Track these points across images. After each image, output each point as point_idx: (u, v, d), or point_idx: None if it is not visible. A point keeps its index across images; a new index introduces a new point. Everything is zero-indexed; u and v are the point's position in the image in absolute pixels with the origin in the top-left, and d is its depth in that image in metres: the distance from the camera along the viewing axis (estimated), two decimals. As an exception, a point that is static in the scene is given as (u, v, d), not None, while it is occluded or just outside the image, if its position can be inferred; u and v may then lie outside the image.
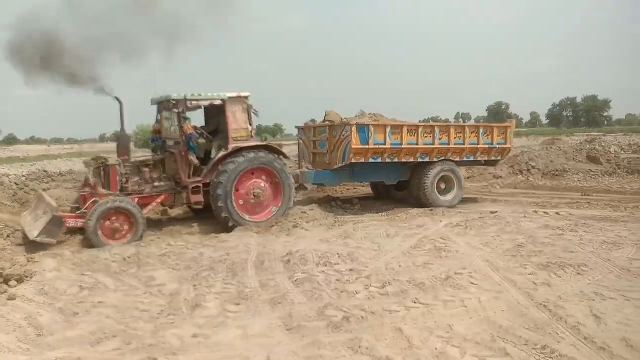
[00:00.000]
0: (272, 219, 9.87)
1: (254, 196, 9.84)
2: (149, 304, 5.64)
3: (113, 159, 9.68)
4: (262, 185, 9.98)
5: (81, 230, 8.70)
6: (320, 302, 5.47)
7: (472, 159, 12.53)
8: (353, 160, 11.06)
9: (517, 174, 17.15)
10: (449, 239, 8.42)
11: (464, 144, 12.07)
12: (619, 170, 18.00)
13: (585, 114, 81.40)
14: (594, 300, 5.31)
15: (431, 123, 12.43)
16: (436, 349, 4.26)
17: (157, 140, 10.65)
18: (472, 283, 6.03)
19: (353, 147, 10.85)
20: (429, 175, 11.75)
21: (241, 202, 9.72)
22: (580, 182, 16.32)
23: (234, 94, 9.96)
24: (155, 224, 10.08)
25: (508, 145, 12.72)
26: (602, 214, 10.26)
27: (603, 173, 17.71)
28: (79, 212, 8.85)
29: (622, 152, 23.66)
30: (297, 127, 13.23)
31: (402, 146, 11.36)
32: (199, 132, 10.15)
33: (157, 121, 10.69)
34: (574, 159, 18.79)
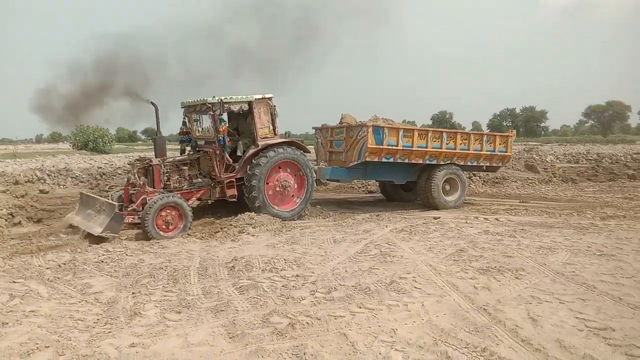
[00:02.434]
0: (297, 208, 11.14)
1: (282, 187, 10.96)
2: (85, 312, 5.37)
3: (155, 159, 10.44)
4: (288, 177, 11.07)
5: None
6: (265, 308, 5.38)
7: (475, 163, 13.45)
8: (367, 159, 11.92)
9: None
10: (394, 243, 8.54)
11: (468, 150, 13.00)
12: (554, 179, 18.89)
13: (523, 124, 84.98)
14: (530, 303, 5.49)
15: (440, 129, 13.20)
16: (380, 353, 4.27)
17: (186, 141, 11.70)
18: (416, 287, 6.11)
19: (369, 146, 11.72)
20: (435, 177, 12.60)
21: (270, 192, 10.82)
22: (519, 189, 17.01)
23: (260, 96, 10.91)
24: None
25: (508, 153, 13.70)
26: (538, 220, 10.67)
27: (540, 181, 18.53)
28: (130, 209, 9.56)
29: (558, 161, 24.88)
30: (314, 128, 13.96)
31: (413, 148, 12.25)
32: (229, 133, 10.99)
33: (184, 123, 11.67)
34: (512, 167, 19.55)
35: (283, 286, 6.20)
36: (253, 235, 9.21)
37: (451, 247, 8.21)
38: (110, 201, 9.57)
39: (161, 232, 9.21)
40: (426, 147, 12.42)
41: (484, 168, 14.06)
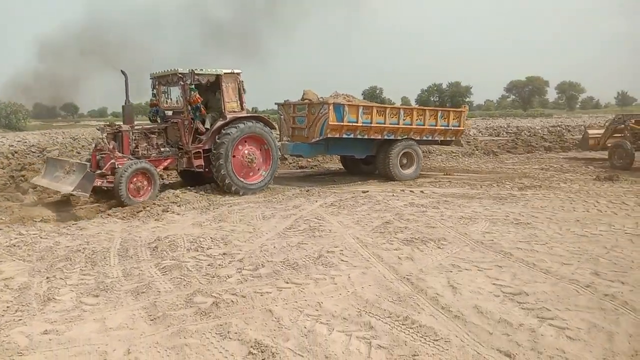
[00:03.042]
0: (263, 181, 11.48)
1: (248, 161, 11.24)
2: (-8, 301, 5.01)
3: (124, 125, 10.54)
4: (254, 151, 11.38)
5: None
6: (188, 288, 5.24)
7: (430, 138, 14.04)
8: (329, 135, 12.29)
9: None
10: (323, 218, 8.57)
11: (424, 125, 13.51)
12: (476, 152, 19.68)
13: (450, 99, 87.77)
14: (451, 271, 5.69)
15: (397, 105, 13.78)
16: (305, 327, 4.27)
17: (155, 112, 11.78)
18: (343, 260, 6.17)
19: (330, 123, 12.06)
20: (393, 151, 13.12)
21: (237, 165, 11.06)
22: (443, 162, 17.60)
23: (229, 70, 11.21)
24: (7, 211, 9.03)
25: (461, 128, 14.43)
26: (461, 192, 11.07)
27: (463, 154, 19.24)
28: (98, 172, 9.62)
29: (480, 134, 25.91)
30: (276, 104, 14.11)
31: (372, 124, 12.66)
32: (201, 103, 11.06)
33: (154, 95, 11.79)
34: (438, 140, 20.11)
35: (209, 265, 6.07)
36: (178, 214, 8.94)
37: (378, 219, 8.35)
38: (82, 161, 9.99)
39: (132, 197, 9.56)
40: (384, 123, 12.86)
41: (439, 142, 14.70)
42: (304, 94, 13.78)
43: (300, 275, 5.63)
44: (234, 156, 11.00)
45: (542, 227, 7.69)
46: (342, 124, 12.28)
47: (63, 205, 9.72)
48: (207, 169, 11.23)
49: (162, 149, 10.96)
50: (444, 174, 14.23)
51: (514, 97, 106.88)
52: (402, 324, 4.30)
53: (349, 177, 14.33)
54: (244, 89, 11.57)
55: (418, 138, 13.71)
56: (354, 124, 12.45)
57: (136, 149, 10.60)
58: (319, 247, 6.74)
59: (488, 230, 7.53)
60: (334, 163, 17.54)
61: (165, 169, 11.30)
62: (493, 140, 23.71)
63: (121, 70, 10.78)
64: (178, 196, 9.89)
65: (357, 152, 13.58)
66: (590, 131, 17.96)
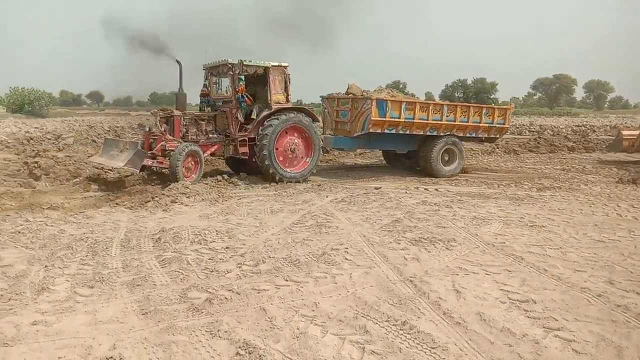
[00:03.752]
0: (304, 171, 11.89)
1: (290, 151, 11.73)
2: (-13, 288, 4.97)
3: (176, 111, 11.18)
4: (296, 141, 11.84)
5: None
6: (185, 283, 5.13)
7: (474, 135, 13.94)
8: (371, 130, 12.45)
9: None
10: (332, 214, 8.40)
11: (467, 122, 13.43)
12: (497, 150, 19.23)
13: (474, 95, 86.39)
14: (457, 274, 5.46)
15: (440, 101, 13.73)
16: (298, 328, 4.11)
17: (205, 102, 12.45)
18: (347, 259, 5.99)
19: (372, 118, 12.23)
20: (435, 147, 13.12)
21: (280, 154, 11.59)
22: (462, 159, 17.18)
23: (276, 63, 11.64)
24: (17, 197, 9.07)
25: (506, 125, 14.26)
26: (477, 191, 10.79)
27: (483, 152, 18.84)
28: (150, 152, 10.35)
29: (502, 132, 25.25)
30: (321, 97, 14.33)
31: (414, 120, 12.72)
32: (246, 94, 11.57)
33: (205, 85, 12.47)
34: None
35: (210, 259, 5.95)
36: (187, 205, 8.87)
37: (387, 217, 8.15)
38: (133, 140, 10.98)
39: (184, 177, 10.26)
40: (427, 119, 12.86)
41: (483, 139, 14.50)
42: (348, 87, 14.02)
43: (300, 272, 5.47)
44: (276, 148, 11.48)
45: (557, 230, 7.40)
46: (384, 119, 12.39)
47: (74, 193, 9.74)
48: (253, 158, 11.69)
49: (210, 135, 11.61)
50: (461, 172, 13.92)
51: (540, 94, 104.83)
52: (400, 329, 4.11)
53: (362, 172, 14.13)
54: (289, 81, 11.96)
55: (461, 135, 13.63)
56: (396, 119, 12.52)
57: (186, 134, 11.22)
58: (323, 244, 6.57)
59: (501, 232, 7.27)
60: (349, 158, 17.32)
61: (212, 154, 11.90)
62: (515, 138, 23.20)
63: (176, 60, 11.31)
64: (188, 187, 9.80)
65: (398, 147, 13.65)
66: (624, 132, 17.16)
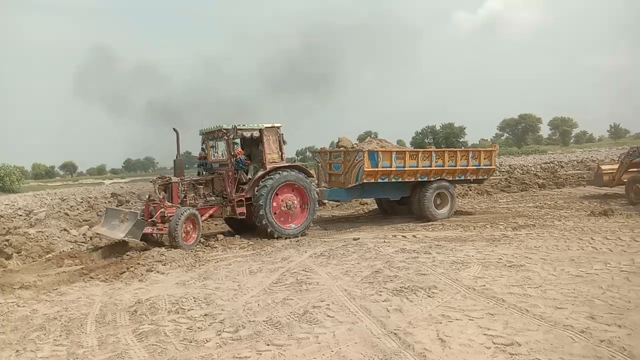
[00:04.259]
0: (300, 226, 12.12)
1: (286, 207, 11.99)
2: (-46, 381, 4.72)
3: (174, 178, 11.53)
4: (292, 197, 12.14)
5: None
6: (163, 356, 4.96)
7: (462, 177, 14.41)
8: (365, 181, 12.86)
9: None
10: (312, 270, 8.33)
11: (456, 166, 13.98)
12: (470, 192, 19.51)
13: (444, 140, 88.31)
14: (441, 322, 5.42)
15: (428, 149, 14.28)
16: (282, 395, 3.99)
17: (203, 165, 12.86)
18: (329, 316, 5.90)
19: (365, 169, 12.71)
20: (427, 192, 13.56)
21: (276, 211, 11.87)
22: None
23: (269, 125, 12.20)
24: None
25: (492, 167, 14.83)
26: (453, 234, 10.86)
27: (457, 195, 19.04)
28: (150, 220, 10.64)
29: (473, 174, 25.68)
30: (312, 152, 15.50)
31: (405, 168, 13.26)
32: (245, 156, 12.10)
33: (203, 149, 12.96)
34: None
35: (188, 329, 5.79)
36: (162, 273, 8.68)
37: (367, 268, 8.11)
38: (132, 210, 11.22)
39: (184, 241, 10.50)
40: (417, 166, 13.42)
41: (472, 180, 14.97)
42: (339, 140, 14.64)
43: (282, 335, 5.35)
44: (273, 204, 11.82)
45: (535, 268, 7.46)
46: (376, 169, 12.86)
47: (47, 270, 9.47)
48: (252, 217, 11.93)
49: (208, 198, 11.93)
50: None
51: (507, 135, 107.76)
52: (386, 386, 4.02)
53: (340, 223, 14.15)
54: (284, 141, 12.46)
55: (451, 178, 14.08)
56: (388, 168, 13.00)
57: (185, 199, 11.54)
58: (304, 302, 6.48)
59: (480, 275, 7.29)
60: (326, 210, 17.34)
61: (211, 216, 12.12)
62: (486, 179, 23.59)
63: (173, 128, 11.79)
64: (163, 254, 9.63)
65: (391, 194, 14.03)
66: (603, 167, 17.09)
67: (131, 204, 15.46)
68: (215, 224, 14.57)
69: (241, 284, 7.75)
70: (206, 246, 11.00)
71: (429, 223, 12.80)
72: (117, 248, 10.80)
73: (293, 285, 7.41)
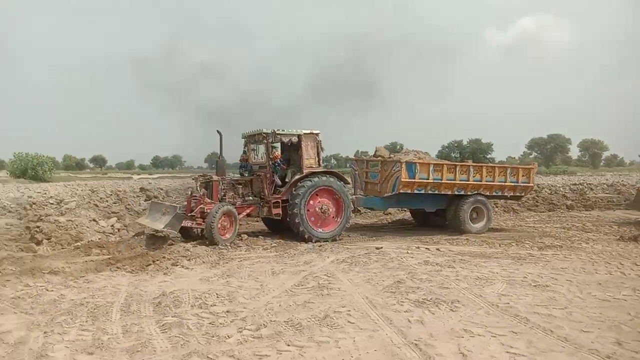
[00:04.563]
0: (335, 231, 12.40)
1: (321, 211, 12.29)
2: (-15, 356, 4.88)
3: (215, 177, 12.20)
4: (327, 202, 12.44)
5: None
6: (185, 349, 5.04)
7: (500, 193, 14.45)
8: (401, 191, 13.04)
9: (405, 210, 17.69)
10: (334, 275, 8.35)
11: (493, 181, 14.04)
12: (496, 209, 19.25)
13: (471, 155, 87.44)
14: (462, 337, 5.38)
15: (467, 163, 14.44)
16: (302, 396, 4.02)
17: (244, 167, 13.40)
18: (350, 322, 5.92)
19: (402, 180, 12.89)
20: (463, 206, 13.66)
21: (311, 215, 12.19)
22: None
23: (308, 131, 12.55)
24: (18, 262, 9.03)
25: (531, 184, 14.79)
26: (478, 250, 10.75)
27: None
28: (189, 215, 11.23)
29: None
30: (349, 159, 15.73)
31: (442, 181, 13.34)
32: (281, 160, 12.59)
33: (244, 152, 13.49)
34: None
35: (210, 323, 5.88)
36: (187, 268, 8.81)
37: (390, 278, 8.09)
38: (173, 204, 11.95)
39: (221, 236, 10.99)
40: (454, 180, 13.49)
41: (509, 197, 14.94)
42: (376, 150, 15.04)
43: (303, 337, 5.39)
44: (308, 209, 12.10)
45: (561, 290, 7.33)
46: (413, 180, 13.01)
47: (75, 257, 9.70)
48: (287, 218, 12.26)
49: (246, 198, 12.45)
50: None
51: (536, 154, 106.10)
52: (406, 395, 4.02)
53: (363, 231, 14.13)
54: (322, 147, 12.80)
55: (488, 193, 14.13)
56: (425, 180, 13.13)
57: (224, 197, 12.07)
58: (326, 306, 6.50)
59: (505, 293, 7.20)
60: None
61: (248, 215, 12.60)
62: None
63: (217, 130, 12.40)
64: (188, 250, 9.79)
65: (427, 205, 14.14)
66: None
67: (161, 199, 15.86)
68: (256, 221, 15.00)
69: (263, 284, 7.81)
70: (231, 244, 11.11)
71: (453, 237, 12.68)
72: (144, 241, 11.00)
73: (315, 289, 7.44)
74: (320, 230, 12.26)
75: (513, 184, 14.33)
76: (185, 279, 8.16)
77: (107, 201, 15.95)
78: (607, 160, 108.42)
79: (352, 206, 13.02)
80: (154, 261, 9.09)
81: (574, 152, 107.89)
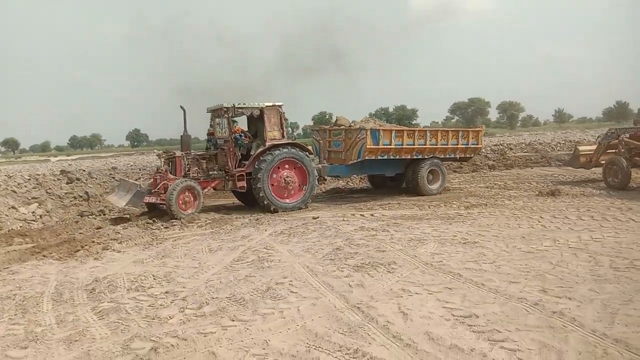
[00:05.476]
0: (298, 201, 12.68)
1: (285, 182, 12.51)
2: None
3: (179, 152, 12.43)
4: (291, 174, 12.65)
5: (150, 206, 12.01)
6: (126, 333, 4.89)
7: (452, 155, 15.36)
8: (366, 157, 13.53)
9: (336, 179, 17.89)
10: (273, 247, 8.36)
11: (447, 145, 14.86)
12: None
13: (396, 122, 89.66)
14: (401, 297, 5.58)
15: (424, 128, 14.99)
16: (251, 369, 4.03)
17: (211, 141, 13.50)
18: (292, 291, 5.97)
19: (367, 147, 13.39)
20: (421, 169, 14.36)
21: (275, 186, 12.42)
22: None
23: (270, 104, 12.72)
24: None
25: (479, 145, 15.83)
26: (409, 213, 11.12)
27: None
28: (153, 191, 11.63)
29: (427, 155, 26.16)
30: (311, 129, 16.16)
31: (403, 146, 14.01)
32: (244, 133, 13.00)
33: (211, 125, 13.59)
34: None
35: (149, 306, 5.73)
36: (119, 252, 8.51)
37: (328, 246, 8.21)
38: (134, 181, 12.64)
39: (181, 210, 11.27)
40: (414, 145, 14.20)
41: (458, 158, 15.95)
42: (336, 119, 15.53)
43: (247, 311, 5.38)
44: (272, 178, 12.37)
45: (489, 245, 7.75)
46: (378, 147, 13.58)
47: (-6, 249, 9.10)
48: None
49: (210, 172, 12.64)
50: (393, 196, 14.28)
51: (457, 117, 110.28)
52: (353, 358, 4.13)
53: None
54: (285, 119, 13.07)
55: (442, 156, 14.97)
56: (387, 146, 13.75)
57: (188, 172, 12.30)
58: (267, 279, 6.52)
59: (437, 252, 7.52)
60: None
61: (214, 188, 12.96)
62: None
63: (180, 106, 12.51)
64: (119, 232, 9.44)
65: (388, 170, 14.85)
66: (580, 147, 16.60)
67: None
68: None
69: (201, 262, 7.70)
70: (163, 224, 10.81)
71: (385, 202, 13.01)
72: (70, 226, 10.49)
73: (255, 263, 7.42)
74: (286, 201, 12.53)
75: (464, 146, 15.23)
76: (117, 262, 7.88)
77: (25, 186, 15.04)
78: (523, 121, 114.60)
79: (318, 175, 13.34)
80: (82, 246, 8.69)
81: (493, 115, 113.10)
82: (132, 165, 32.55)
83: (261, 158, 12.40)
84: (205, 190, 12.35)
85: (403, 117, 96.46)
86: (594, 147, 15.86)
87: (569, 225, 8.89)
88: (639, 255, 6.72)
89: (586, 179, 15.58)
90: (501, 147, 27.86)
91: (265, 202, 12.22)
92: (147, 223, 10.88)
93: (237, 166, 12.61)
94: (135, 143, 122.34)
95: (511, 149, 26.96)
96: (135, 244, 9.05)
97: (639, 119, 22.68)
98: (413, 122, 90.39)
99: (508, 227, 8.99)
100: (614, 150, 14.47)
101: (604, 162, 14.38)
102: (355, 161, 13.76)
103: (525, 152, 25.62)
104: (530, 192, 13.51)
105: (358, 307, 5.29)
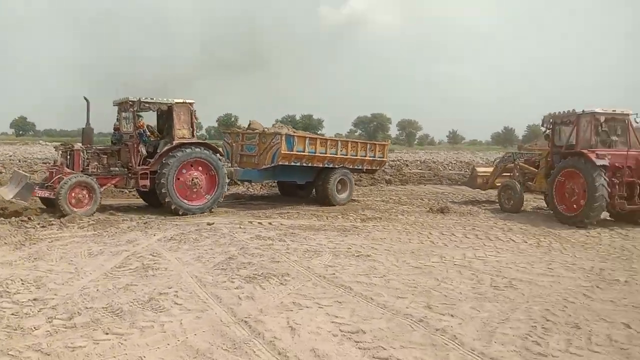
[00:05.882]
0: (206, 204, 12.21)
1: (192, 184, 11.98)
2: None
3: (78, 145, 11.78)
4: (199, 175, 12.11)
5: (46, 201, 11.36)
6: (-22, 347, 4.31)
7: (360, 167, 15.71)
8: (280, 163, 13.42)
9: (239, 184, 17.59)
10: (160, 254, 7.92)
11: (356, 155, 15.17)
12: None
13: (303, 130, 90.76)
14: (292, 310, 5.46)
15: (335, 138, 15.42)
16: (121, 389, 3.68)
17: (116, 135, 12.90)
18: (177, 303, 5.64)
19: (282, 152, 13.25)
20: (332, 178, 14.48)
21: (180, 187, 11.88)
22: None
23: (181, 100, 12.31)
24: None
25: (385, 159, 16.44)
26: (307, 223, 11.10)
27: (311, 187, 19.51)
28: (46, 184, 11.17)
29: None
30: (223, 132, 15.88)
31: (316, 154, 14.10)
32: (150, 129, 12.62)
33: (117, 119, 12.83)
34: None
35: (13, 314, 5.14)
36: (-17, 252, 7.61)
37: (221, 254, 7.93)
38: (24, 173, 11.97)
39: (73, 208, 10.67)
40: (325, 153, 14.35)
41: (364, 170, 16.30)
42: (250, 123, 15.34)
43: (124, 323, 4.97)
44: (178, 179, 11.85)
45: (380, 259, 7.90)
46: (292, 153, 13.55)
47: None
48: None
49: (111, 169, 11.98)
50: (291, 206, 14.23)
51: (360, 131, 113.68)
52: (234, 376, 3.92)
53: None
54: (196, 118, 12.66)
55: (351, 167, 15.24)
56: (301, 153, 13.78)
57: (87, 167, 11.64)
58: (150, 288, 6.11)
59: (331, 264, 7.52)
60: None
61: (115, 186, 12.46)
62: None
63: (84, 97, 12.24)
64: (-15, 231, 8.47)
65: (299, 178, 14.92)
66: (478, 169, 17.08)
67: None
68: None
69: (78, 266, 7.09)
70: (39, 223, 9.89)
71: (284, 211, 12.91)
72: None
73: (138, 270, 6.97)
74: (192, 203, 12.07)
75: (371, 158, 15.64)
76: (-20, 264, 7.03)
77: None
78: (420, 139, 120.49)
79: (228, 178, 12.98)
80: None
81: (393, 131, 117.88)
82: (11, 156, 29.89)
83: (168, 155, 11.87)
84: (104, 187, 11.72)
85: (309, 126, 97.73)
86: (491, 169, 16.36)
87: (455, 242, 9.32)
88: (516, 274, 7.16)
89: (473, 199, 16.50)
90: (399, 163, 29.05)
91: (167, 201, 11.68)
92: (22, 221, 9.93)
93: (143, 164, 11.98)
94: (21, 132, 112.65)
95: (407, 165, 28.21)
96: (5, 243, 8.19)
97: (522, 144, 24.63)
98: (318, 132, 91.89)
99: (399, 242, 9.24)
100: (509, 174, 14.98)
101: (499, 184, 14.80)
102: (268, 166, 13.65)
103: (420, 169, 26.88)
104: (422, 208, 14.07)
105: (245, 322, 5.09)
